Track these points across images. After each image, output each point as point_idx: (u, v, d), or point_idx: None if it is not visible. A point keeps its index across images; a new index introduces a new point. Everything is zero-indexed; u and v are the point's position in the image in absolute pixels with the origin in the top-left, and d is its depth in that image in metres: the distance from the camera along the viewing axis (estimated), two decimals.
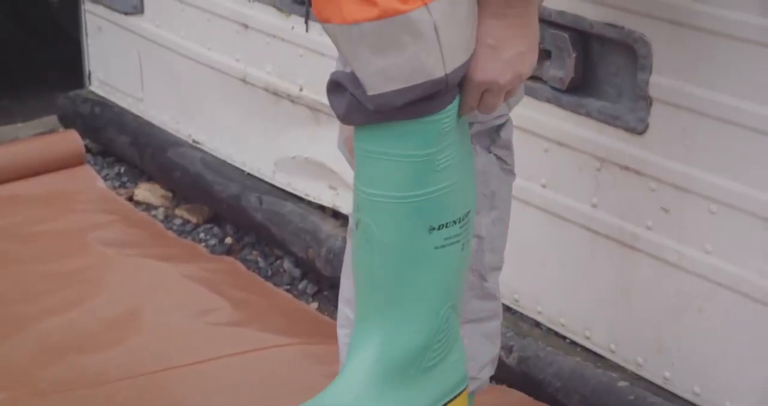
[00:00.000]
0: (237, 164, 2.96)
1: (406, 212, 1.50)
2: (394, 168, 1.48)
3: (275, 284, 2.67)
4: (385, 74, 1.41)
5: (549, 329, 2.24)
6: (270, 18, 2.73)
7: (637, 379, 2.06)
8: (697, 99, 1.87)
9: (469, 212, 1.56)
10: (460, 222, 1.54)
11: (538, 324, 2.25)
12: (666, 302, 2.00)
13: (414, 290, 1.54)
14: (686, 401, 1.99)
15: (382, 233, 1.52)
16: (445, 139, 1.49)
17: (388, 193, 1.50)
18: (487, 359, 1.78)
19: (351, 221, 1.66)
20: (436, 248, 1.53)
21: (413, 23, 1.38)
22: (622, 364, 2.10)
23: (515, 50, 1.50)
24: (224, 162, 2.99)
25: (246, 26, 2.81)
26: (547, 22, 2.02)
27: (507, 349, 2.18)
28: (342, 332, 1.76)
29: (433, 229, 1.52)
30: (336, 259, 2.51)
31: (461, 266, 1.59)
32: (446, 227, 1.53)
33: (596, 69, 2.04)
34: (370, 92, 1.43)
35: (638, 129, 1.97)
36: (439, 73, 1.43)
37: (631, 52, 1.96)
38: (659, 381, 2.04)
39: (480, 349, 1.76)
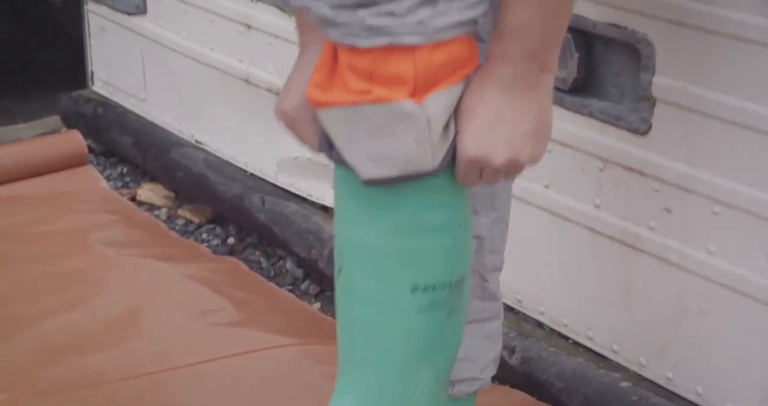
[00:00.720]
0: (240, 165, 2.96)
1: (389, 263, 1.42)
2: (378, 214, 1.40)
3: (278, 285, 2.66)
4: (375, 160, 1.35)
5: (552, 330, 2.23)
6: (272, 18, 2.73)
7: (639, 379, 2.06)
8: (700, 99, 1.86)
9: (462, 279, 1.46)
10: (449, 286, 1.44)
11: (540, 325, 2.25)
12: (669, 303, 2.00)
13: (390, 351, 1.46)
14: (689, 401, 1.99)
15: (363, 283, 1.44)
16: (436, 197, 1.40)
17: (372, 240, 1.41)
18: (488, 359, 1.77)
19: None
20: (417, 311, 1.43)
21: (406, 113, 1.32)
22: (625, 364, 2.10)
23: (517, 130, 1.36)
24: (227, 162, 2.98)
25: (249, 26, 2.81)
26: None
27: (510, 349, 2.17)
28: None
29: (417, 289, 1.42)
30: None
31: (445, 334, 1.48)
32: (432, 289, 1.43)
33: (599, 69, 2.03)
34: (361, 175, 1.37)
35: (641, 129, 1.96)
36: (426, 166, 1.35)
37: (634, 52, 1.95)
38: (662, 382, 2.03)
39: (481, 349, 1.75)
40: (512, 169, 1.39)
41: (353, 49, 1.32)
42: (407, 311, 1.43)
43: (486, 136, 1.35)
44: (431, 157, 1.35)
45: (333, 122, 1.37)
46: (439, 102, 1.33)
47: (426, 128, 1.33)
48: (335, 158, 1.42)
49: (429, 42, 1.30)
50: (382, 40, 1.30)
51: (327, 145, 1.43)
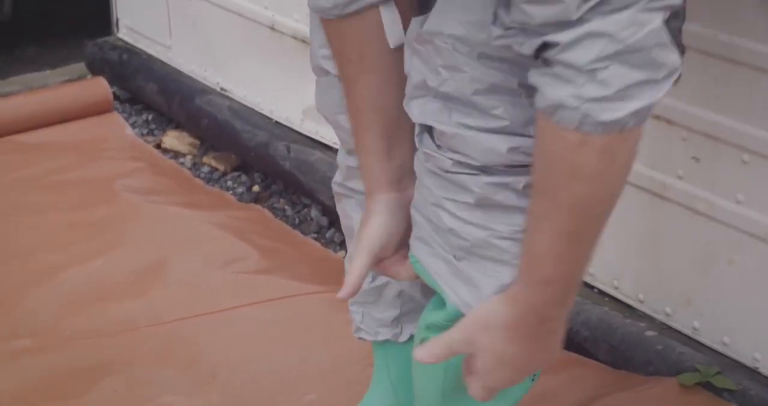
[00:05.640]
0: (265, 112, 2.95)
1: None
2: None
3: (303, 233, 2.66)
4: None
5: None
6: None
7: (665, 329, 2.05)
8: (730, 47, 1.84)
9: None
10: None
11: None
12: (696, 253, 1.99)
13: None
14: (715, 351, 1.98)
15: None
16: None
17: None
18: None
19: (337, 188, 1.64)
20: None
21: None
22: (651, 314, 2.09)
23: (521, 370, 1.35)
24: (252, 110, 2.98)
25: None
26: None
27: None
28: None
29: None
30: None
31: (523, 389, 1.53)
32: None
33: None
34: None
35: None
36: None
37: None
38: (688, 331, 2.03)
39: None
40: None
41: None
42: None
43: (490, 374, 1.34)
44: None
45: None
46: None
47: None
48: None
49: None
50: None
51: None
